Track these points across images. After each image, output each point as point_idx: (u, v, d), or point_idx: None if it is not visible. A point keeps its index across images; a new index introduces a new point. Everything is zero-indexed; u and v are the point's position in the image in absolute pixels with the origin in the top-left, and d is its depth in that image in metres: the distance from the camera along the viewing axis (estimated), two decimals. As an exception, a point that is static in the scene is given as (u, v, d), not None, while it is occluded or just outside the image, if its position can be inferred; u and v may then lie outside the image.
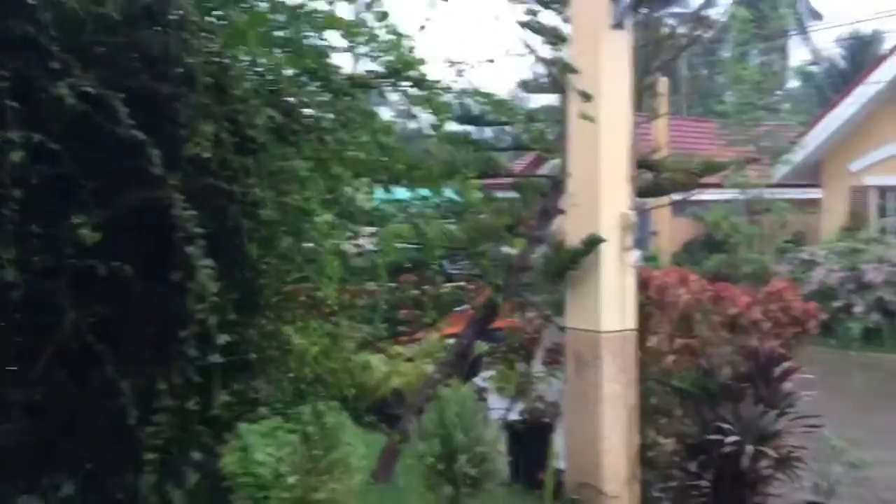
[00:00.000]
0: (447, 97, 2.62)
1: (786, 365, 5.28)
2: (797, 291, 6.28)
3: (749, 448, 4.82)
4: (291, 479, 3.53)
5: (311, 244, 2.60)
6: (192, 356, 2.07)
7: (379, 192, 2.77)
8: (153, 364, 2.23)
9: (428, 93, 2.52)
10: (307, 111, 2.44)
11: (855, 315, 14.65)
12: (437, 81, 2.58)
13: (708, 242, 20.53)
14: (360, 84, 2.56)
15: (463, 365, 6.14)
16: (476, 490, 4.42)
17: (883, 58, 17.92)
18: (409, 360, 8.08)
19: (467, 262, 7.36)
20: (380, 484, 5.44)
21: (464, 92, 2.70)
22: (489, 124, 6.56)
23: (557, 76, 6.28)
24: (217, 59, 2.35)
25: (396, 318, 6.17)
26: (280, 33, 2.37)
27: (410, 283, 5.38)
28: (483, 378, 7.45)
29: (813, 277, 15.29)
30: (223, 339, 2.07)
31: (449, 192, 2.95)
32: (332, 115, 2.44)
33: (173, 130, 2.20)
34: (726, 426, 4.97)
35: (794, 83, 36.28)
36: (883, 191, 17.59)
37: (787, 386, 5.27)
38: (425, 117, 2.57)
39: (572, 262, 5.42)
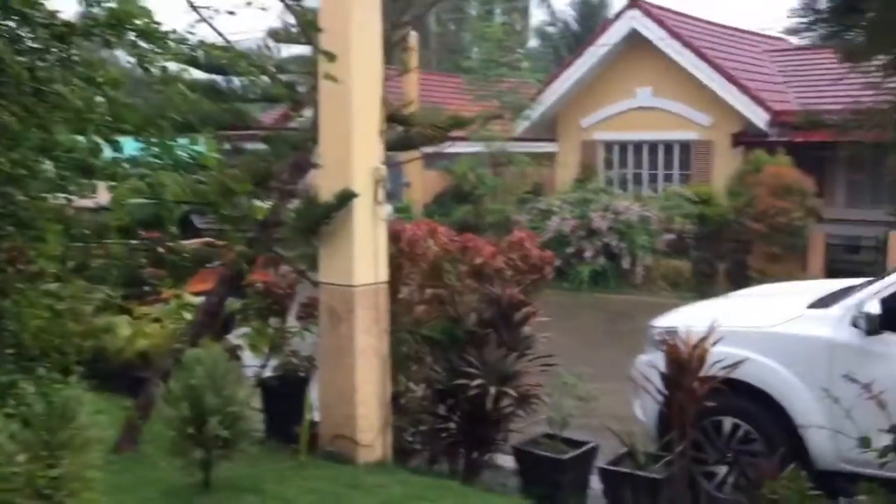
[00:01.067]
0: (182, 48, 2.44)
1: (525, 310, 5.66)
2: (535, 240, 6.72)
3: (492, 389, 5.14)
4: (20, 458, 3.24)
5: (26, 208, 2.34)
6: None
7: (109, 148, 2.55)
8: None
9: (157, 44, 2.34)
10: (19, 59, 2.16)
11: (585, 259, 16.07)
12: (170, 32, 2.40)
13: (457, 194, 21.38)
14: (80, 32, 2.32)
15: (214, 323, 5.93)
16: (228, 451, 4.34)
17: (610, 22, 19.50)
18: (156, 320, 7.69)
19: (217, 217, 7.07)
20: (125, 453, 5.16)
21: (202, 44, 2.53)
22: (238, 74, 6.29)
23: (311, 29, 6.14)
24: None
25: (139, 277, 5.81)
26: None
27: (153, 240, 5.07)
28: (236, 335, 7.27)
29: (549, 226, 16.50)
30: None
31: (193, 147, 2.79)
32: (46, 64, 2.19)
33: None
34: (472, 370, 5.26)
35: (533, 42, 38.46)
36: (609, 145, 19.30)
37: (527, 329, 5.67)
38: (162, 67, 2.39)
39: (325, 217, 5.40)
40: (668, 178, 18.63)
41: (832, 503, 3.80)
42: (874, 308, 4.98)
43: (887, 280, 5.27)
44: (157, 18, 2.32)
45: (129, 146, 2.61)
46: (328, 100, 5.42)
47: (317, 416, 5.64)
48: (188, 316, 6.93)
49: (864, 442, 3.50)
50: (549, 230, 16.35)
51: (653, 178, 18.83)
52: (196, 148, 2.68)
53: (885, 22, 1.89)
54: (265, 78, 6.22)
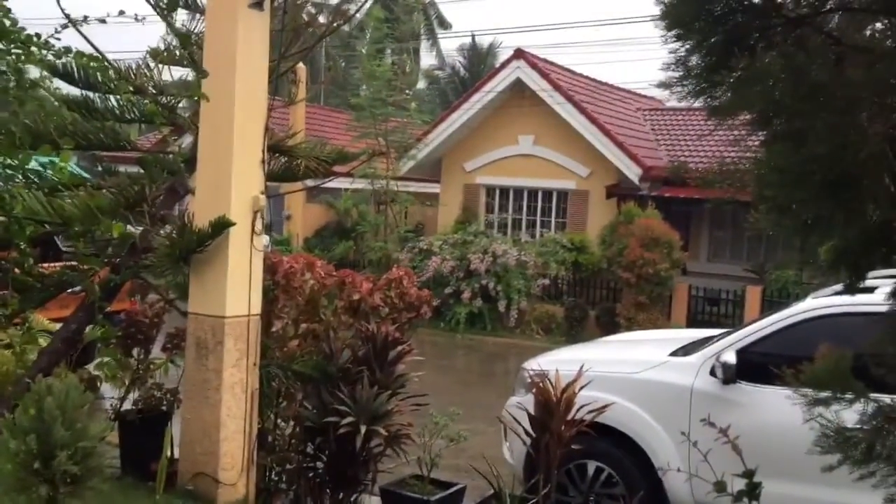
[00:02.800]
0: (47, 54, 2.31)
1: (400, 348, 5.62)
2: (414, 279, 6.73)
3: (362, 428, 5.06)
4: None
5: None
6: None
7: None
8: None
9: (17, 46, 2.19)
10: None
11: (462, 301, 16.25)
12: (33, 35, 2.26)
13: (339, 229, 21.28)
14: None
15: (70, 351, 5.60)
16: (78, 488, 4.06)
17: (496, 70, 20.05)
18: (8, 346, 7.19)
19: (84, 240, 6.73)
20: (-40, 489, 4.75)
21: (67, 50, 2.40)
22: (110, 90, 6.04)
23: (191, 50, 6.00)
24: None
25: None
26: None
27: (4, 260, 4.75)
28: (96, 366, 6.89)
29: (429, 266, 16.63)
30: None
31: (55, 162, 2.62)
32: None
33: None
34: (343, 408, 5.16)
35: (421, 84, 39.03)
36: (491, 189, 19.72)
37: (400, 367, 5.63)
38: (17, 70, 2.23)
39: (199, 244, 5.23)
40: (545, 224, 19.18)
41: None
42: (730, 358, 5.24)
43: (742, 332, 5.56)
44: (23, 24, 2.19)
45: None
46: (210, 123, 5.29)
47: (178, 453, 5.39)
48: (43, 342, 6.52)
49: (720, 486, 3.65)
50: (428, 270, 16.48)
51: (531, 224, 19.34)
52: (45, 159, 2.52)
53: (751, 79, 2.02)
54: (143, 99, 6.03)
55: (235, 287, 5.16)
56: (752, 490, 3.46)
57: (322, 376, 5.46)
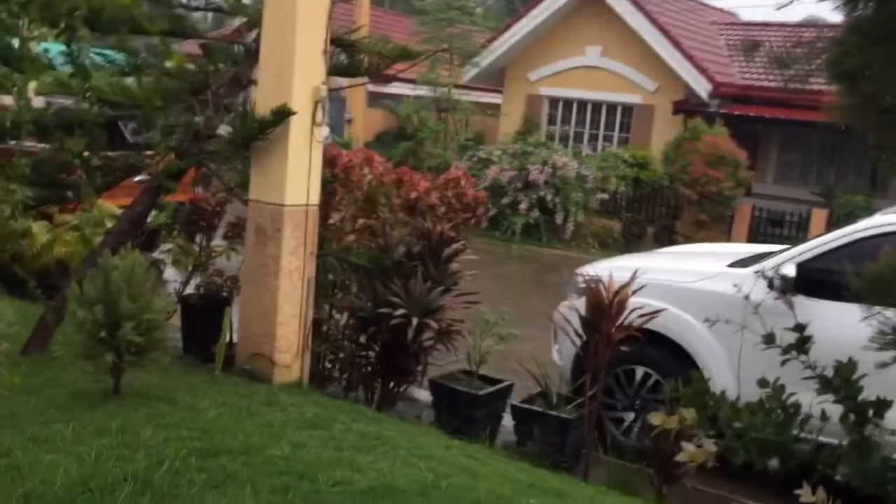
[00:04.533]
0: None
1: (454, 246, 5.66)
2: (472, 180, 6.70)
3: (414, 321, 5.15)
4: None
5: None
6: None
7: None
8: None
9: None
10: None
11: (519, 211, 16.18)
12: None
13: (399, 135, 21.22)
14: None
15: (135, 232, 5.77)
16: (141, 358, 4.25)
17: (567, -23, 19.35)
18: (76, 228, 7.46)
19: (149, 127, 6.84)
20: (33, 356, 5.03)
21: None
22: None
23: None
24: None
25: (58, 181, 5.59)
26: None
27: (74, 142, 4.86)
28: (161, 251, 7.12)
29: (487, 175, 16.53)
30: None
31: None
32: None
33: None
34: (396, 300, 5.25)
35: (489, -9, 37.97)
36: (554, 101, 19.33)
37: (454, 265, 5.68)
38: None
39: (260, 132, 5.27)
40: (607, 138, 18.81)
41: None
42: (790, 271, 5.15)
43: (804, 246, 5.44)
44: None
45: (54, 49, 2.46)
46: (273, 12, 5.26)
47: (236, 339, 5.57)
48: (109, 225, 6.74)
49: (769, 338, 3.62)
50: (486, 179, 16.38)
51: (593, 138, 18.99)
52: (104, 52, 2.53)
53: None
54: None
55: (295, 176, 5.21)
56: (803, 343, 3.44)
57: (377, 269, 5.55)
